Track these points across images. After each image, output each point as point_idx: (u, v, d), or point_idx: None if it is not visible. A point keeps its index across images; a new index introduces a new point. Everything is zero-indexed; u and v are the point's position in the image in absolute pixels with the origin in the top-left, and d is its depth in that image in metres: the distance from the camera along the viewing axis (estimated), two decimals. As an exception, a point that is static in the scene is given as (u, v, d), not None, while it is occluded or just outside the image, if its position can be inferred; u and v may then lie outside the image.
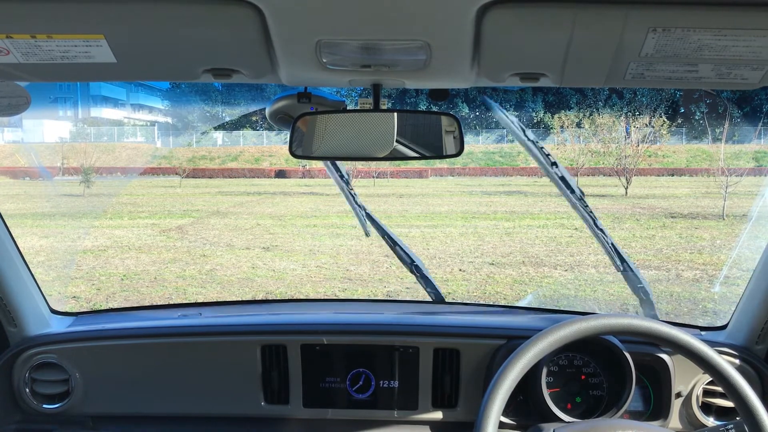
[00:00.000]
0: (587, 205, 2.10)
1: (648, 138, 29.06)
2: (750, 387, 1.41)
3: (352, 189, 2.37)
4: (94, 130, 47.67)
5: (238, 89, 50.60)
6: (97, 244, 13.33)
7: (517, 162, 42.46)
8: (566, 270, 10.50)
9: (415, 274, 2.41)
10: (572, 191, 2.09)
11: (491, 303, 8.07)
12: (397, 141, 1.48)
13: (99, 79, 1.26)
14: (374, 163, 22.06)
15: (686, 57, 1.10)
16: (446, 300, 2.45)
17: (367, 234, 2.52)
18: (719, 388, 1.84)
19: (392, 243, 2.39)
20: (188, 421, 2.01)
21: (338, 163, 2.31)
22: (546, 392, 1.85)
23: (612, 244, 2.15)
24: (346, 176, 2.35)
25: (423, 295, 2.49)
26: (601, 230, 2.11)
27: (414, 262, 2.37)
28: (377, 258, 11.53)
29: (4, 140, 43.39)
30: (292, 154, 1.52)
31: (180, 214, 19.06)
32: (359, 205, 2.40)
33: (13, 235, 1.95)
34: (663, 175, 36.52)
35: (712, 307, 8.15)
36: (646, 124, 29.54)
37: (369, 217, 2.43)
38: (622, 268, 2.20)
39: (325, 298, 8.66)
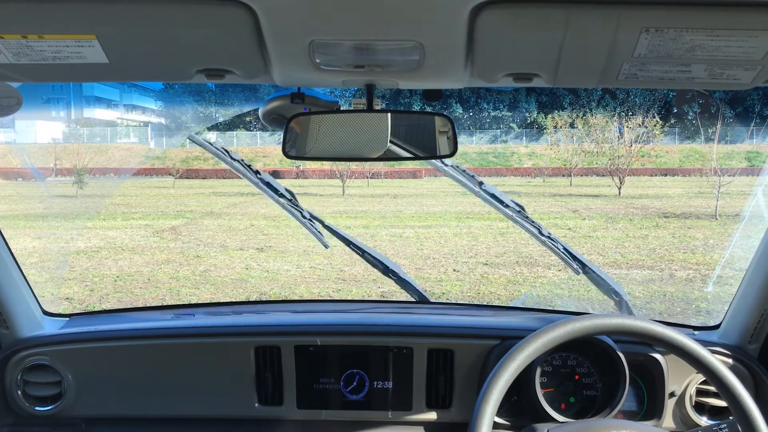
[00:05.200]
0: (527, 216, 2.13)
1: (641, 138, 29.19)
2: (743, 386, 1.42)
3: (297, 204, 2.31)
4: (87, 131, 47.54)
5: (232, 90, 50.49)
6: (90, 245, 13.28)
7: (510, 162, 42.62)
8: (560, 270, 10.51)
9: (392, 278, 2.37)
10: (506, 205, 2.13)
11: (485, 303, 8.08)
12: (390, 141, 1.47)
13: (91, 80, 1.25)
14: (368, 163, 22.11)
15: (679, 57, 1.10)
16: (438, 300, 2.45)
17: (326, 246, 2.45)
18: (712, 388, 1.84)
19: (360, 251, 2.35)
20: (182, 422, 2.00)
21: (274, 182, 2.28)
22: (540, 392, 1.85)
23: (564, 248, 2.16)
24: (286, 193, 2.30)
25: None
26: (549, 237, 2.12)
27: (388, 267, 2.32)
28: (371, 258, 11.51)
29: (-4, 141, 43.21)
30: (286, 154, 1.51)
31: (173, 215, 19.01)
32: (309, 219, 2.33)
33: (6, 236, 1.94)
34: (656, 175, 36.69)
35: (705, 307, 8.18)
36: (639, 124, 29.66)
37: (328, 228, 2.38)
38: (581, 271, 2.19)
39: (319, 298, 8.65)
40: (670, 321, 2.10)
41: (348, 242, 2.34)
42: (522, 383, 1.84)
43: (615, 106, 44.93)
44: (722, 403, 1.89)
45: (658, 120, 30.44)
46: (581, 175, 34.18)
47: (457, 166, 2.15)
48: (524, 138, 49.28)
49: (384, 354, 1.96)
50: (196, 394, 1.97)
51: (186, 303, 7.68)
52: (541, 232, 2.14)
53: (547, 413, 1.83)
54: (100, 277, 10.20)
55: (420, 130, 1.52)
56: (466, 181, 2.14)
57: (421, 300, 2.43)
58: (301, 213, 2.31)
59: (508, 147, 46.55)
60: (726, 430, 1.53)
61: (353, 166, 27.30)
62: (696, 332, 2.10)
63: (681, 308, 8.10)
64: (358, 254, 2.36)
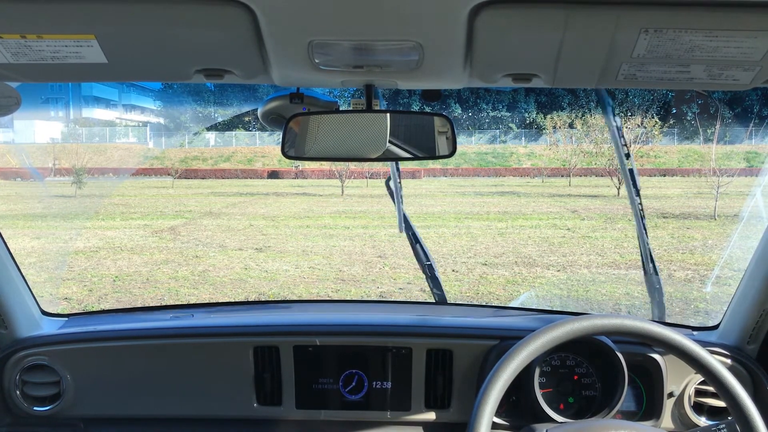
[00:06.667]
0: (641, 202, 2.19)
1: (640, 138, 29.18)
2: (741, 387, 1.42)
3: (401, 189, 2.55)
4: (86, 131, 47.54)
5: (231, 90, 50.53)
6: (88, 245, 13.27)
7: (509, 163, 42.62)
8: (559, 270, 10.52)
9: (426, 273, 2.50)
10: (635, 185, 2.24)
11: (484, 303, 8.08)
12: (389, 141, 1.47)
13: (90, 80, 1.25)
14: (367, 163, 22.12)
15: (678, 58, 1.10)
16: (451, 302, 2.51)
17: (401, 230, 2.63)
18: (711, 388, 1.85)
19: (414, 240, 2.52)
20: (180, 423, 2.00)
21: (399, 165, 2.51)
22: (539, 393, 1.85)
23: (649, 245, 2.21)
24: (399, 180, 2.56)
25: (416, 296, 2.51)
26: (646, 230, 2.18)
27: (429, 261, 2.48)
28: (370, 258, 11.52)
29: (-5, 141, 43.20)
30: (285, 154, 1.51)
31: (172, 215, 19.01)
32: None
33: (4, 236, 1.93)
34: (655, 176, 36.70)
35: (703, 307, 8.18)
36: (638, 125, 29.65)
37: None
38: (651, 271, 2.25)
39: (318, 299, 8.65)
40: (669, 321, 2.10)
41: (411, 231, 2.52)
42: (521, 383, 1.84)
43: (614, 106, 44.94)
44: (721, 404, 1.89)
45: (657, 120, 30.44)
46: (580, 176, 34.20)
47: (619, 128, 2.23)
48: (523, 138, 49.31)
49: (383, 354, 1.96)
50: (195, 394, 1.97)
51: (185, 303, 7.68)
52: (643, 222, 2.21)
53: (546, 413, 1.83)
54: (98, 277, 10.19)
55: (419, 131, 1.52)
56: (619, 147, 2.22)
57: (441, 301, 2.47)
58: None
59: (507, 147, 46.57)
60: (725, 430, 1.53)
61: (352, 166, 27.30)
62: (695, 332, 2.10)
63: (680, 308, 8.09)
64: (411, 242, 2.52)
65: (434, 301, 2.49)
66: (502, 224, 16.40)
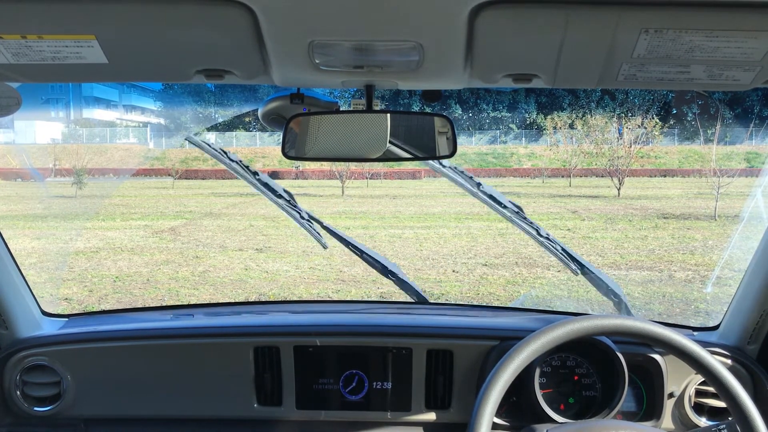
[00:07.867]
0: (526, 217, 2.14)
1: (640, 139, 29.20)
2: (742, 387, 1.42)
3: (295, 204, 2.32)
4: (87, 132, 47.58)
5: (231, 90, 50.52)
6: (89, 246, 13.28)
7: (510, 163, 42.65)
8: (559, 271, 10.51)
9: (391, 279, 2.38)
10: (505, 206, 2.15)
11: (484, 304, 8.07)
12: (390, 142, 1.47)
13: (91, 80, 1.25)
14: (367, 164, 22.12)
15: (678, 58, 1.10)
16: (437, 301, 2.46)
17: (324, 246, 2.45)
18: (711, 389, 1.85)
19: (359, 252, 2.36)
20: (181, 423, 2.00)
21: (273, 183, 2.28)
22: (539, 393, 1.85)
23: (563, 249, 2.17)
24: (284, 194, 2.31)
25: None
26: (547, 238, 2.13)
27: (387, 267, 2.34)
28: (370, 259, 11.51)
29: (-5, 141, 43.22)
30: (285, 155, 1.51)
31: (173, 216, 19.01)
32: (308, 220, 2.34)
33: (5, 236, 1.94)
34: (655, 176, 36.74)
35: (704, 308, 8.18)
36: (639, 125, 29.67)
37: (327, 229, 2.38)
38: (579, 272, 2.20)
39: (319, 299, 8.65)
40: (669, 322, 2.10)
41: (347, 243, 2.36)
42: (521, 384, 1.84)
43: (614, 106, 44.95)
44: (721, 404, 1.89)
45: (657, 121, 30.45)
46: (580, 176, 34.20)
47: (455, 168, 2.16)
48: (523, 139, 49.34)
49: (383, 354, 1.96)
50: (195, 394, 1.97)
51: (185, 303, 7.68)
52: (539, 233, 2.17)
53: (546, 414, 1.83)
54: (99, 277, 10.19)
55: (419, 131, 1.52)
56: (464, 182, 2.15)
57: (420, 300, 2.43)
58: (300, 214, 2.31)
59: (507, 148, 46.61)
60: (725, 431, 1.53)
61: (352, 166, 27.31)
62: (695, 333, 2.10)
63: (680, 309, 8.10)
64: (357, 255, 2.37)
65: (414, 301, 2.44)
66: (503, 225, 16.36)
